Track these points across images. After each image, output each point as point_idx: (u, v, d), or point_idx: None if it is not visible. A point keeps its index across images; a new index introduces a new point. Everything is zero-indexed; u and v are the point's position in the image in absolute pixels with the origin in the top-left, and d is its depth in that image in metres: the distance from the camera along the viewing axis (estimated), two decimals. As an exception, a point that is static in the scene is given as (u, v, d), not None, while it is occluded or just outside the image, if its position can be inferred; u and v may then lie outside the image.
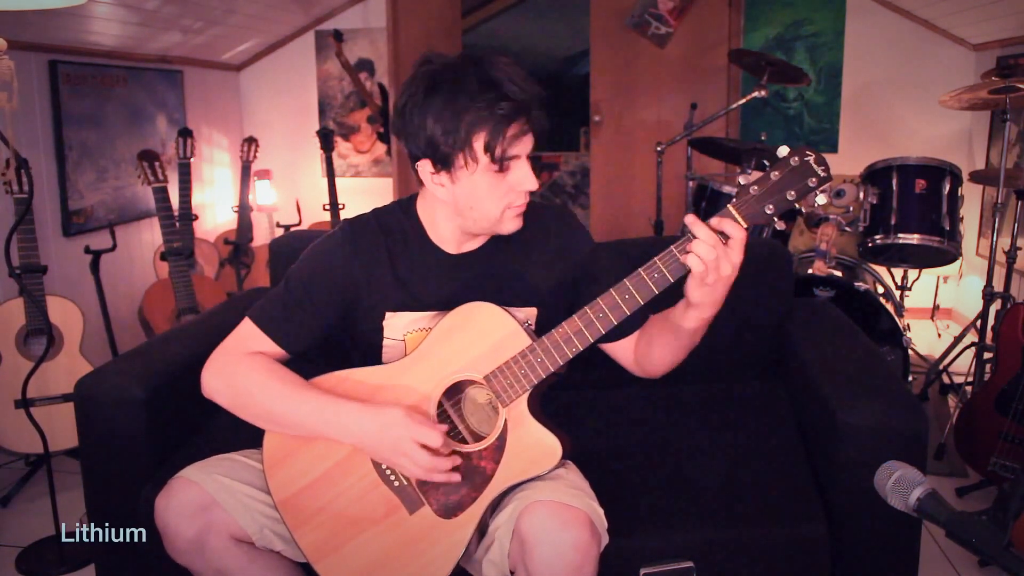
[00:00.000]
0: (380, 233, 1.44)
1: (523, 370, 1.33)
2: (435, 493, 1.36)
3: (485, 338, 1.35)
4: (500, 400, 1.34)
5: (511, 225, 1.38)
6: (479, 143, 1.28)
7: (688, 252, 1.22)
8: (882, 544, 1.57)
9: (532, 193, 1.37)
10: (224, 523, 1.36)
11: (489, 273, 1.45)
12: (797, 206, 1.22)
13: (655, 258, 1.26)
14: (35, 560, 2.26)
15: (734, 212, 1.22)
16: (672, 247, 1.26)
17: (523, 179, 1.33)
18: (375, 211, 1.49)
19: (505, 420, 1.35)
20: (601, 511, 1.35)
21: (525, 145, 1.31)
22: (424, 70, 1.31)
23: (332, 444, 1.38)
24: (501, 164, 1.30)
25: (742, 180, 3.26)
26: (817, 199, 1.22)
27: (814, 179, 1.20)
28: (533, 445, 1.34)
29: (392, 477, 1.38)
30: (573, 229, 1.53)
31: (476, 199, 1.34)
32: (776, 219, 1.22)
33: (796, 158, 1.20)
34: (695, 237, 1.21)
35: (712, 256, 1.20)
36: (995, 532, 0.91)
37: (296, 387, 1.37)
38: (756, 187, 1.21)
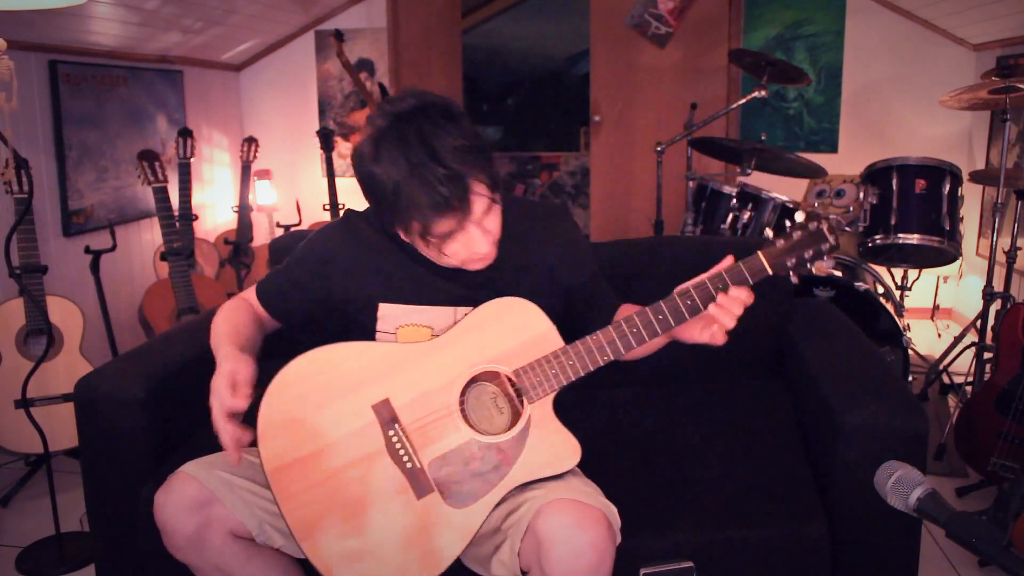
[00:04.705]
0: (376, 234, 1.49)
1: (554, 370, 1.35)
2: (447, 481, 1.34)
3: (519, 334, 1.37)
4: (527, 396, 1.36)
5: (476, 267, 1.41)
6: (417, 225, 1.30)
7: (715, 303, 1.33)
8: (882, 544, 1.57)
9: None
10: (224, 519, 1.36)
11: (485, 270, 1.46)
12: (808, 265, 1.35)
13: (690, 287, 1.35)
14: (35, 560, 2.26)
15: (764, 260, 1.34)
16: (707, 281, 1.35)
17: (468, 245, 1.35)
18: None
19: (529, 416, 1.36)
20: (615, 509, 1.36)
21: (466, 219, 1.30)
22: (376, 126, 1.30)
23: (341, 415, 1.35)
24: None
25: (742, 178, 3.27)
26: (825, 261, 1.37)
27: (826, 244, 1.35)
28: (555, 444, 1.36)
29: (405, 457, 1.34)
30: (566, 226, 1.56)
31: (452, 254, 1.37)
32: (792, 272, 1.36)
33: (814, 224, 1.35)
34: (732, 295, 1.33)
35: (733, 323, 1.34)
36: (995, 532, 0.91)
37: (225, 323, 1.48)
38: (782, 242, 1.35)
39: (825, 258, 1.36)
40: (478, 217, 1.32)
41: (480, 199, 1.30)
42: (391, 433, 1.35)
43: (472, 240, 1.34)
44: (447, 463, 1.34)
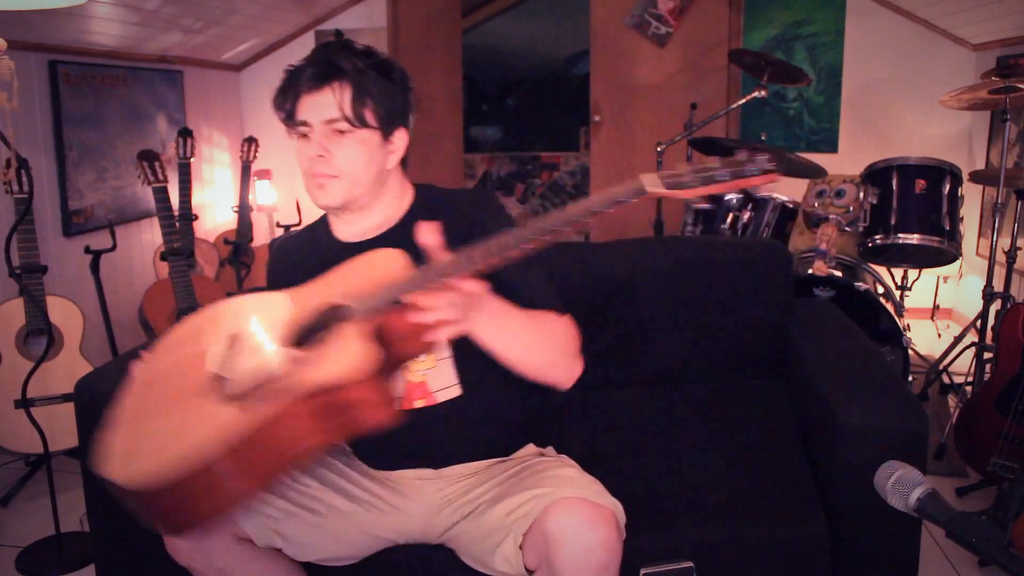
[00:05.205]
0: (303, 241, 1.58)
1: (384, 294, 1.22)
2: (245, 387, 1.24)
3: (378, 276, 1.27)
4: (349, 317, 1.24)
5: (317, 197, 1.45)
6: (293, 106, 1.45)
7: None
8: (882, 544, 1.57)
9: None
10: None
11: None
12: (781, 201, 1.18)
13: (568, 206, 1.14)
14: (35, 560, 2.27)
15: (657, 179, 1.07)
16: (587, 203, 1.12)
17: (307, 151, 1.43)
18: (309, 224, 1.63)
19: (338, 333, 1.24)
20: (621, 506, 1.35)
21: (312, 110, 1.42)
22: None
23: (189, 362, 1.31)
24: (298, 128, 1.44)
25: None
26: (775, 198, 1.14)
27: (753, 165, 1.05)
28: (345, 353, 1.21)
29: (223, 373, 1.28)
30: (486, 206, 1.51)
31: (299, 164, 1.46)
32: (698, 187, 1.07)
33: (746, 154, 1.06)
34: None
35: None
36: (995, 532, 0.91)
37: None
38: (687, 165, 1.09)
39: (760, 188, 1.09)
40: (321, 121, 1.41)
41: (330, 102, 1.40)
42: (225, 356, 1.30)
43: (310, 146, 1.42)
44: (253, 375, 1.24)
